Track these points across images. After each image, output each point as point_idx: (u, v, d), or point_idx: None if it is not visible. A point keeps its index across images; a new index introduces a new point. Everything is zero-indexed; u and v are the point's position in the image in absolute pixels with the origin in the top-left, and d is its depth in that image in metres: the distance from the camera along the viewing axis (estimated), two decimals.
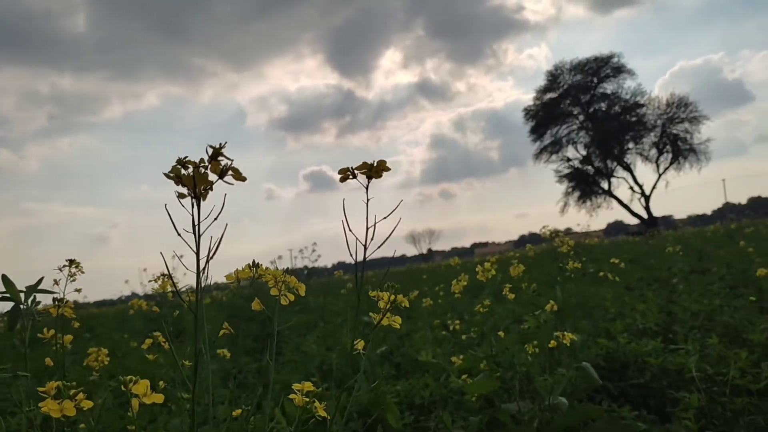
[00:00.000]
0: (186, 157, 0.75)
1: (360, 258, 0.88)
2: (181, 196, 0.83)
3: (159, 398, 0.76)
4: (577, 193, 37.98)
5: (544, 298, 2.36)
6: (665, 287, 5.60)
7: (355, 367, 3.55)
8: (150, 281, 2.42)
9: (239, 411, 1.24)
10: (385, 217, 0.77)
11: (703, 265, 6.92)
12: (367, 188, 0.72)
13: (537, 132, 39.03)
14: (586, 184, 37.93)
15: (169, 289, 2.01)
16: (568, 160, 38.42)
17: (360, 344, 1.07)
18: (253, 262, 0.88)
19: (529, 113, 39.64)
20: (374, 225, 0.79)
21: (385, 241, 0.86)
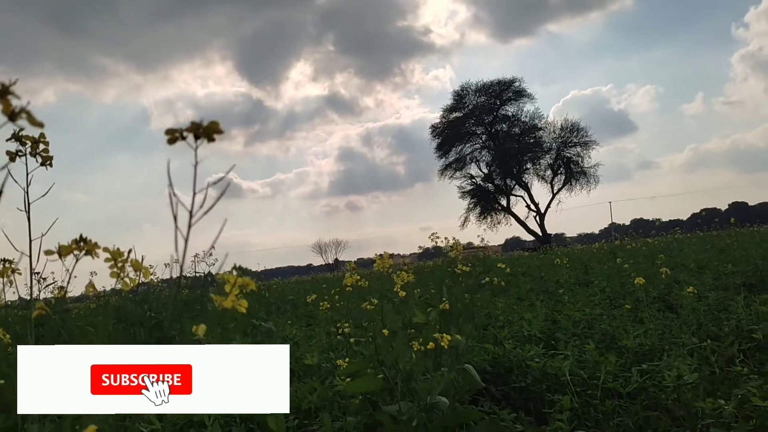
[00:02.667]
0: None
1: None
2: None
3: None
4: (478, 209, 39.35)
5: (435, 302, 2.39)
6: (552, 298, 5.87)
7: None
8: None
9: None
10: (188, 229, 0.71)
11: (587, 278, 7.33)
12: (195, 150, 0.67)
13: (442, 149, 40.16)
14: (486, 201, 39.38)
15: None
16: (471, 177, 39.81)
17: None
18: (81, 236, 0.78)
19: (436, 131, 40.74)
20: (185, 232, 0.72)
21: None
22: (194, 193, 0.66)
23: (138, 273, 0.80)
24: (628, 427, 2.33)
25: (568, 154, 37.62)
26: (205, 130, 0.66)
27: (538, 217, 38.25)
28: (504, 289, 7.01)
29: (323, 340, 4.37)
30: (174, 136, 0.65)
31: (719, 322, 3.55)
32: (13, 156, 0.84)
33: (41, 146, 0.90)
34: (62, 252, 0.76)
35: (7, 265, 1.25)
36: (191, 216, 0.67)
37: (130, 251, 0.80)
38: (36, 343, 1.56)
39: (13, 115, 0.55)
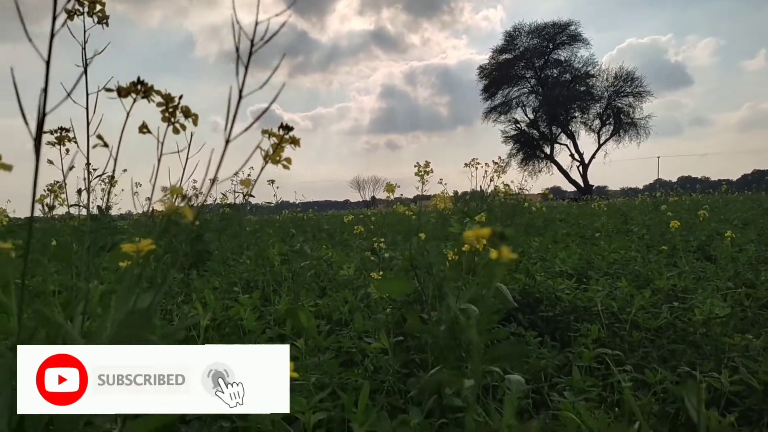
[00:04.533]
0: None
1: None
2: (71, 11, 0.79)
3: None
4: (520, 155, 38.71)
5: (472, 214, 2.41)
6: (588, 242, 5.83)
7: (279, 282, 3.52)
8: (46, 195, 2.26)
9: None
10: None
11: (626, 227, 7.23)
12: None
13: (489, 91, 39.26)
14: (530, 147, 38.67)
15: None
16: (516, 122, 38.95)
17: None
18: (138, 78, 0.81)
19: (484, 72, 39.75)
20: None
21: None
22: (257, 23, 0.68)
23: (188, 119, 0.84)
24: (653, 357, 2.35)
25: (620, 104, 36.36)
26: None
27: (581, 168, 37.46)
28: (539, 231, 6.98)
29: (357, 263, 4.47)
30: None
31: (757, 272, 3.49)
32: (71, 14, 0.87)
33: (98, 6, 0.92)
34: (121, 92, 0.80)
35: (63, 133, 1.31)
36: (252, 45, 0.69)
37: (181, 97, 0.84)
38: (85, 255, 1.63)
39: None
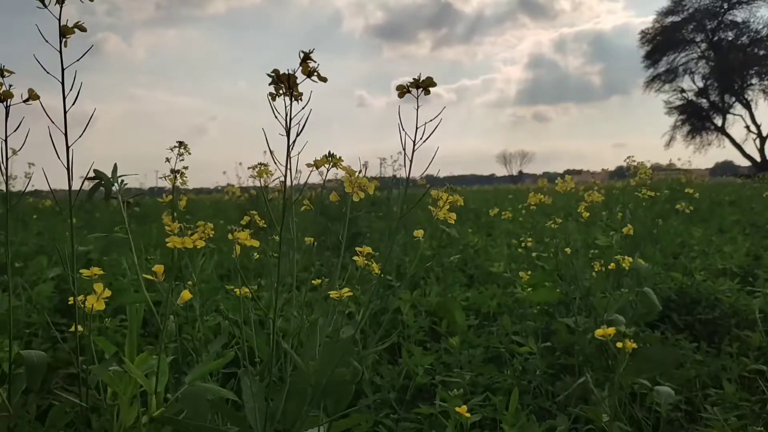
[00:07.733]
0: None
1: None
2: (274, 95, 0.98)
3: (256, 243, 0.93)
4: (686, 128, 35.60)
5: (618, 226, 2.41)
6: (760, 232, 5.37)
7: (428, 272, 3.74)
8: (249, 168, 2.61)
9: (318, 281, 1.43)
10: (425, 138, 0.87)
11: None
12: (417, 99, 0.85)
13: (652, 58, 36.29)
14: (697, 119, 35.40)
15: (265, 177, 2.21)
16: (682, 91, 35.77)
17: (419, 233, 1.21)
18: (329, 152, 1.02)
19: (646, 37, 36.77)
20: (421, 140, 0.91)
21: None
22: (411, 160, 0.84)
23: (365, 187, 1.04)
24: None
25: None
26: (423, 83, 0.84)
27: (758, 141, 33.63)
28: (704, 218, 6.52)
29: (504, 251, 4.53)
30: (402, 91, 0.84)
31: None
32: (274, 96, 1.06)
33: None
34: (317, 164, 1.02)
35: (263, 167, 1.56)
36: (407, 182, 0.85)
37: (360, 171, 1.04)
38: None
39: (309, 74, 0.77)
